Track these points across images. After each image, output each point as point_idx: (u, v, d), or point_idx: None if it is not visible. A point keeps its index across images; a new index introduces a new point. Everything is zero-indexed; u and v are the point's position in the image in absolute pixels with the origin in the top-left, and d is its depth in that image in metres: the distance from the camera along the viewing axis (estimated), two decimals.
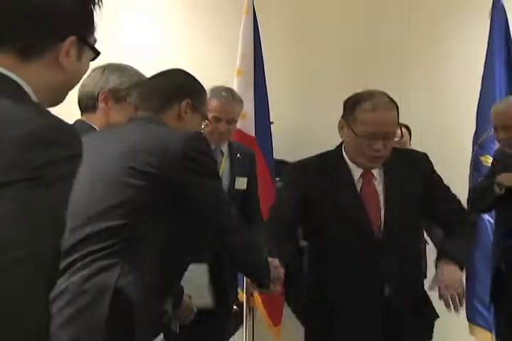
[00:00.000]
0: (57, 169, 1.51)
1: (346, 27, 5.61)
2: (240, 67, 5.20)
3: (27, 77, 1.66)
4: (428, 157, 3.38)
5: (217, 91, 4.31)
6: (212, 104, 4.22)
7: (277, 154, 5.28)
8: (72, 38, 1.69)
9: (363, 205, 3.23)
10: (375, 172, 3.28)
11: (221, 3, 5.60)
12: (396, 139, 3.81)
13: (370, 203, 3.24)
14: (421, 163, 3.37)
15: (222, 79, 4.79)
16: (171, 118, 2.72)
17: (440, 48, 5.58)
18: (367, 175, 3.26)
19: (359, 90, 3.29)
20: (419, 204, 3.26)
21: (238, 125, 4.96)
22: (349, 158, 3.27)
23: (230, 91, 4.40)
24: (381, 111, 3.14)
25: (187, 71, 2.92)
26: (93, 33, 1.78)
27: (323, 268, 3.33)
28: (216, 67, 5.31)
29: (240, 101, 4.46)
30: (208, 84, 4.30)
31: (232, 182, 4.36)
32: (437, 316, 3.42)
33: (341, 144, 3.33)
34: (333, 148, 3.46)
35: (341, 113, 3.26)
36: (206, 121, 2.98)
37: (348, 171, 3.27)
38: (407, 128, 4.86)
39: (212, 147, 4.24)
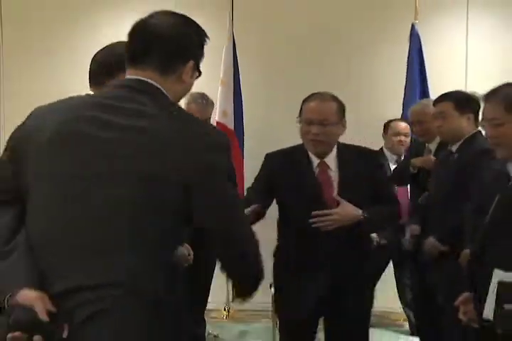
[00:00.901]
0: (232, 166, 1.81)
1: (306, 49, 5.66)
2: (222, 79, 5.30)
3: (165, 87, 1.80)
4: (380, 154, 3.31)
5: (195, 97, 4.32)
6: (192, 108, 4.24)
7: (247, 143, 5.38)
8: (192, 62, 1.84)
9: (320, 187, 3.09)
10: (330, 163, 3.12)
11: (210, 33, 5.61)
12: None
13: (325, 186, 3.09)
14: (372, 157, 3.27)
15: (209, 87, 4.93)
16: None
17: (373, 69, 5.67)
18: (322, 165, 3.12)
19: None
20: (368, 188, 3.11)
21: (221, 120, 5.19)
22: (307, 149, 3.14)
23: (204, 97, 4.40)
24: (316, 101, 3.08)
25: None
26: (202, 59, 1.92)
27: (286, 233, 3.17)
28: (205, 78, 5.34)
29: (212, 104, 4.49)
30: (198, 90, 4.46)
31: None
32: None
33: None
34: (289, 140, 3.38)
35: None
36: None
37: (309, 161, 3.12)
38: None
39: None
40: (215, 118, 5.05)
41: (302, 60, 5.63)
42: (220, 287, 5.17)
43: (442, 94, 3.78)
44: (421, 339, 4.32)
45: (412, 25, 5.28)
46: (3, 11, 5.98)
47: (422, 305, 4.19)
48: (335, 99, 3.12)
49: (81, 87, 2.42)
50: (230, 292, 5.43)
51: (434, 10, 5.52)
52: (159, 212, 1.69)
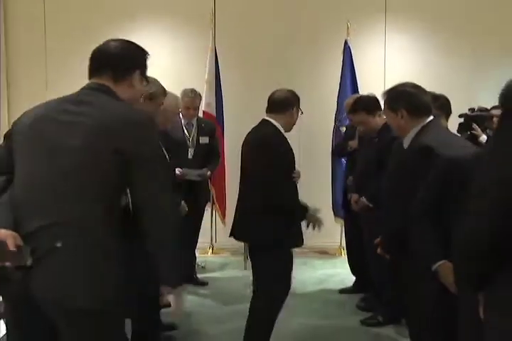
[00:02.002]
0: (154, 139, 1.75)
1: (270, 59, 5.60)
2: (207, 79, 5.28)
3: (118, 91, 1.80)
4: None
5: (186, 92, 4.29)
6: (185, 99, 4.22)
7: (226, 127, 5.34)
8: (138, 71, 1.85)
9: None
10: None
11: (197, 44, 5.56)
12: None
13: None
14: None
15: (197, 85, 4.88)
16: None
17: (317, 74, 5.66)
18: None
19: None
20: None
21: (206, 109, 5.15)
22: (285, 130, 2.98)
23: (193, 91, 4.35)
24: None
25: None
26: (147, 69, 1.91)
27: None
28: (193, 79, 5.22)
29: (199, 96, 4.45)
30: (187, 86, 4.40)
31: (198, 139, 4.41)
32: None
33: (269, 123, 2.98)
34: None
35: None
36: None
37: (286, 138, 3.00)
38: None
39: (186, 121, 4.36)
40: (201, 108, 5.02)
41: (268, 66, 5.62)
42: (206, 231, 5.23)
43: (354, 106, 3.72)
44: (351, 269, 4.45)
45: (345, 41, 5.28)
46: (47, 14, 5.66)
47: (353, 244, 4.31)
48: None
49: None
50: (214, 235, 5.53)
51: (361, 30, 5.48)
52: (100, 172, 1.66)
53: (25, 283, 1.62)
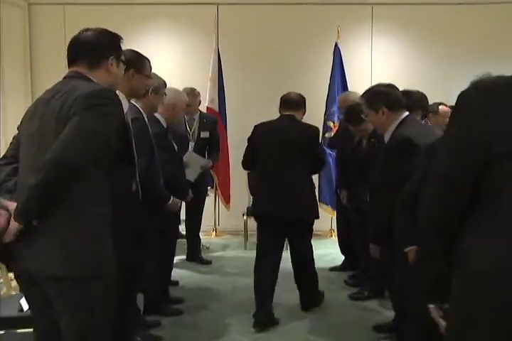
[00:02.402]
0: (103, 109, 1.61)
1: (268, 60, 5.55)
2: (210, 77, 5.25)
3: (94, 77, 1.75)
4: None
5: (187, 90, 4.08)
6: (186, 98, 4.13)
7: (229, 120, 5.31)
8: (112, 57, 1.78)
9: None
10: None
11: (202, 46, 5.53)
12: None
13: None
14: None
15: (200, 81, 4.93)
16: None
17: (310, 74, 5.58)
18: None
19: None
20: None
21: (210, 105, 5.12)
22: None
23: (193, 90, 4.27)
24: None
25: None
26: (122, 54, 1.84)
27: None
28: (198, 77, 5.24)
29: (199, 94, 4.39)
30: (193, 84, 4.40)
31: (199, 134, 4.37)
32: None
33: (293, 117, 3.25)
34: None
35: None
36: None
37: None
38: None
39: (188, 117, 4.29)
40: (205, 104, 5.02)
41: (266, 66, 5.58)
42: (210, 215, 5.27)
43: (353, 117, 3.47)
44: (341, 250, 4.44)
45: (336, 44, 5.27)
46: (66, 20, 5.58)
47: (343, 229, 4.28)
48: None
49: None
50: (217, 218, 5.53)
51: (350, 34, 5.47)
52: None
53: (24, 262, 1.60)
